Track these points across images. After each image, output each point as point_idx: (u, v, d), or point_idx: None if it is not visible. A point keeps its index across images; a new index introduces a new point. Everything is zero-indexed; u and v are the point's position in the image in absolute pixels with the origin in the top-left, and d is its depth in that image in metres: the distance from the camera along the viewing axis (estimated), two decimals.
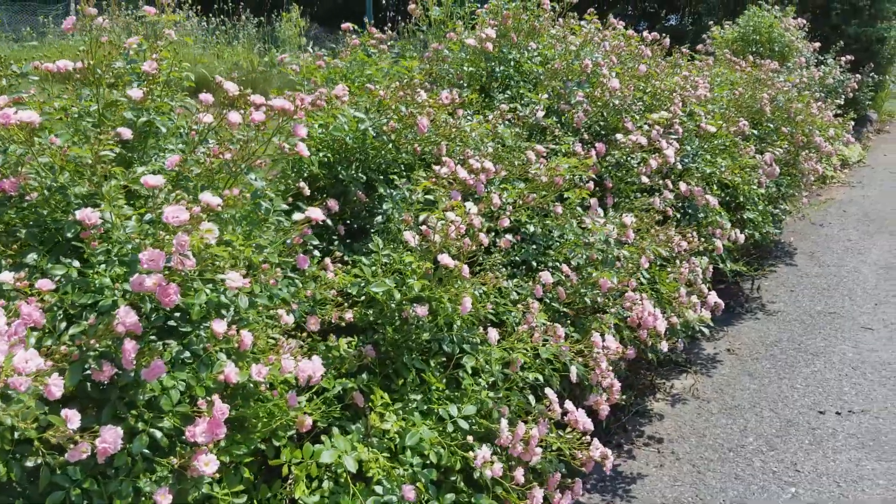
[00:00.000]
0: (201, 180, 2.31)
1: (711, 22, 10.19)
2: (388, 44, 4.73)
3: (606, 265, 3.01)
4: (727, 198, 4.45)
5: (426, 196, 2.96)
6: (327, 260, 2.68)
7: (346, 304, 2.54)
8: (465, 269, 2.40)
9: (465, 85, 4.26)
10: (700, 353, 4.83)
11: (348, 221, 3.17)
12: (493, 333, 2.46)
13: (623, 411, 4.02)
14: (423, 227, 2.61)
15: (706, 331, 3.52)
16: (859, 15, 11.57)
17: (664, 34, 5.87)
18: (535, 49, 4.32)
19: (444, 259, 2.36)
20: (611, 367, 2.90)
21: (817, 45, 9.54)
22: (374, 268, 2.60)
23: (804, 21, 9.77)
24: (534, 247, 3.13)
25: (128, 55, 2.78)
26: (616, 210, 3.58)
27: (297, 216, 2.31)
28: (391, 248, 2.69)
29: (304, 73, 4.36)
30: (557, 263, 3.05)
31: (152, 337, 2.03)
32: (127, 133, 2.32)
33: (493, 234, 3.00)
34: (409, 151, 3.26)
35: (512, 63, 4.11)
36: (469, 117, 3.77)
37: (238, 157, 2.36)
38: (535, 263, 3.05)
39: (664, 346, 3.29)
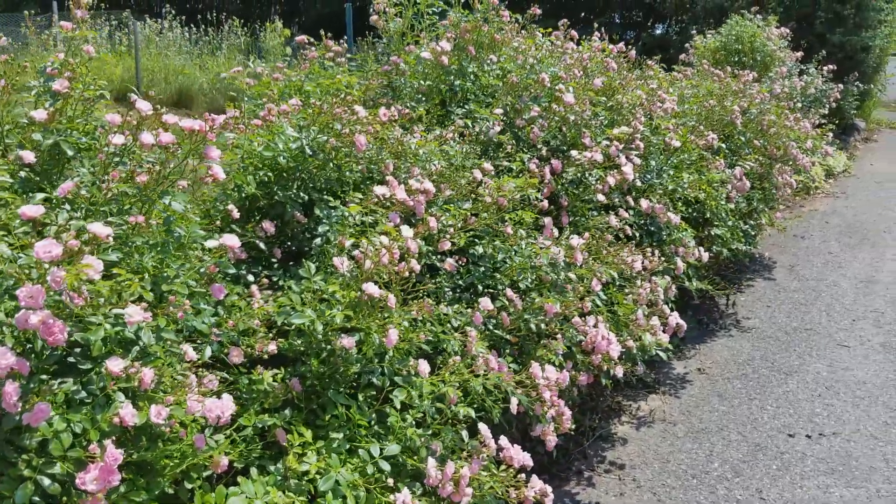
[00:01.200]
0: (108, 206, 2.18)
1: (694, 31, 10.09)
2: (346, 56, 4.62)
3: (556, 289, 2.88)
4: (694, 214, 4.33)
5: (367, 217, 2.83)
6: (254, 287, 2.55)
7: (271, 335, 2.41)
8: (392, 298, 2.27)
9: (425, 99, 4.15)
10: (670, 373, 4.70)
11: (288, 243, 3.05)
12: (424, 366, 2.33)
13: (585, 435, 3.89)
14: (357, 252, 2.49)
15: (663, 355, 3.39)
16: (844, 24, 11.49)
17: (644, 44, 5.78)
18: (495, 62, 4.20)
19: (370, 288, 2.23)
20: (560, 395, 2.77)
21: (800, 54, 9.45)
22: (303, 294, 2.47)
23: (787, 30, 9.68)
24: (482, 269, 3.00)
25: (44, 72, 2.65)
26: (573, 229, 3.45)
27: (210, 243, 2.18)
28: (324, 273, 2.56)
29: (258, 88, 4.25)
30: (505, 287, 2.93)
31: (45, 376, 1.90)
32: (29, 157, 2.19)
33: (437, 256, 2.88)
34: (354, 170, 3.14)
35: (471, 77, 3.99)
36: (425, 133, 3.65)
37: (150, 181, 2.23)
38: (481, 287, 2.92)
39: (619, 371, 3.16)
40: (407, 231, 2.54)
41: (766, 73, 9.16)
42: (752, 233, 5.26)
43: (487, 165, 3.08)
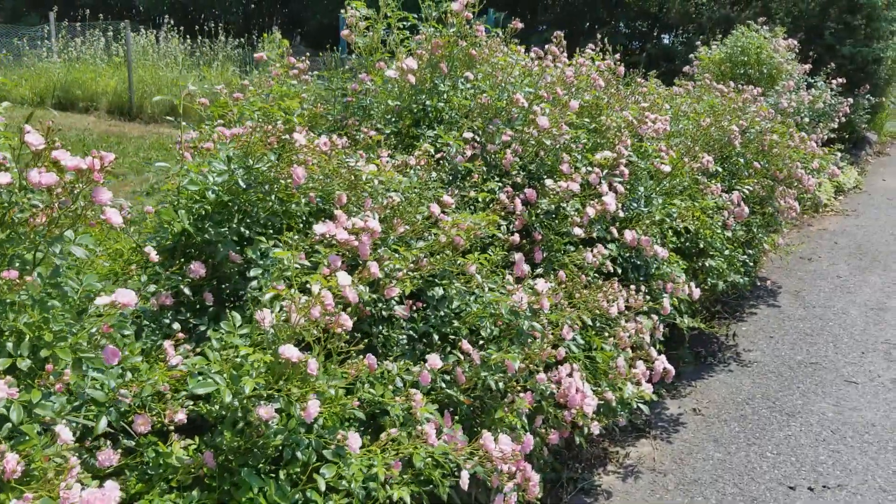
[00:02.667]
0: None
1: (699, 42, 9.77)
2: (314, 74, 4.33)
3: (521, 338, 2.56)
4: (686, 243, 4.00)
5: (309, 259, 2.53)
6: (167, 343, 2.24)
7: (180, 400, 2.10)
8: (313, 363, 1.96)
9: (397, 120, 3.84)
10: (662, 414, 4.35)
11: (225, 286, 2.74)
12: (354, 440, 2.02)
13: (565, 488, 3.55)
14: (286, 303, 2.17)
15: (645, 408, 3.05)
16: (854, 34, 11.12)
17: (649, 55, 5.46)
18: (471, 80, 3.89)
19: (287, 352, 1.92)
20: (527, 457, 2.46)
21: (808, 66, 9.10)
22: (224, 352, 2.16)
23: (795, 42, 9.35)
24: (441, 314, 2.68)
25: None
26: (547, 265, 3.13)
27: (101, 300, 1.87)
28: (251, 326, 2.25)
29: (214, 109, 3.97)
30: (463, 337, 2.61)
31: None
32: None
33: (385, 304, 2.56)
34: (302, 203, 2.83)
35: (443, 96, 3.68)
36: (393, 157, 3.35)
37: (35, 226, 1.93)
38: (437, 337, 2.60)
39: (595, 427, 2.83)
40: (344, 278, 2.23)
41: (772, 87, 8.83)
42: (752, 263, 4.91)
43: (447, 198, 2.76)
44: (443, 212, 2.80)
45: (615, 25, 15.73)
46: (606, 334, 3.19)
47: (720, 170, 4.39)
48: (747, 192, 4.56)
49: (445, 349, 2.57)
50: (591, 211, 3.20)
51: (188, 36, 14.91)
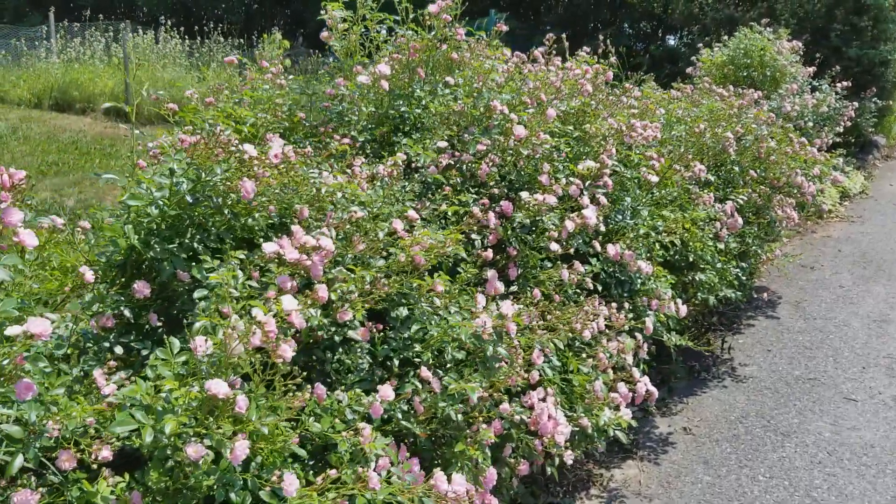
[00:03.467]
0: None
1: (701, 44, 9.57)
2: (290, 77, 4.17)
3: (486, 365, 2.40)
4: (675, 256, 3.82)
5: (265, 277, 2.37)
6: (98, 372, 2.09)
7: (106, 435, 1.95)
8: (241, 400, 1.80)
9: (373, 127, 3.69)
10: (651, 433, 4.18)
11: (175, 305, 2.58)
12: (291, 482, 1.85)
13: None
14: (229, 330, 2.02)
15: (622, 436, 2.88)
16: (861, 36, 10.89)
17: (653, 56, 5.28)
18: (452, 84, 3.73)
19: (214, 386, 1.76)
20: (494, 490, 2.30)
21: (812, 69, 8.89)
22: (158, 381, 2.00)
23: (800, 43, 9.14)
24: (405, 336, 2.52)
25: None
26: (522, 283, 2.97)
27: (11, 330, 1.72)
28: (191, 353, 2.09)
29: (184, 114, 3.82)
30: (428, 361, 2.44)
31: None
32: None
33: (338, 328, 2.40)
34: (259, 217, 2.67)
35: (420, 102, 3.52)
36: (367, 166, 3.19)
37: None
38: (397, 361, 2.44)
39: (568, 457, 2.66)
40: (289, 302, 2.07)
41: (776, 90, 8.63)
42: (748, 275, 4.71)
43: (412, 213, 2.60)
44: (409, 228, 2.64)
45: (619, 27, 15.53)
46: (585, 355, 3.02)
47: (712, 179, 4.21)
48: (741, 201, 4.38)
49: (407, 375, 2.41)
50: (570, 225, 3.03)
51: (189, 37, 14.81)
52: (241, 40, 14.32)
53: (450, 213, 2.84)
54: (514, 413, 2.57)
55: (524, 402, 2.70)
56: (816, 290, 6.52)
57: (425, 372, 2.28)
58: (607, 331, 3.14)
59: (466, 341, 2.32)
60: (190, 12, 19.72)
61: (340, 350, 2.40)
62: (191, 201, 2.38)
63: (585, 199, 3.16)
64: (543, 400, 2.73)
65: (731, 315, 5.83)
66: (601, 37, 12.52)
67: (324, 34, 4.20)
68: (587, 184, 3.36)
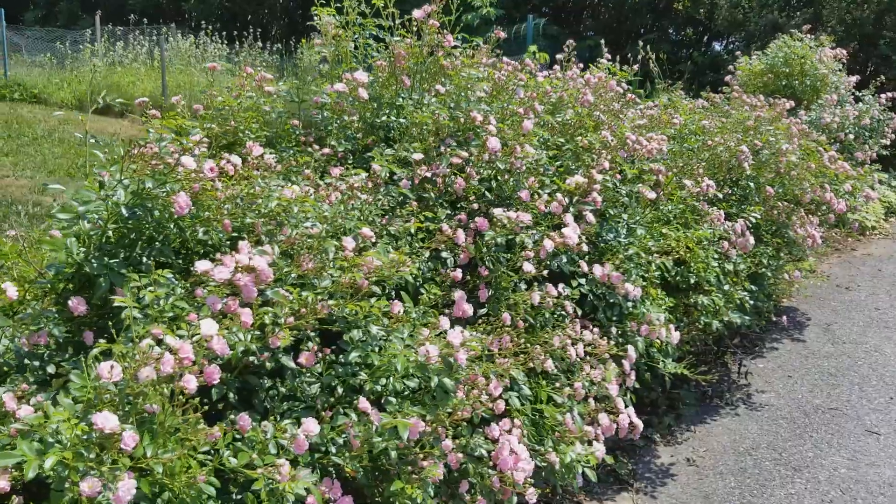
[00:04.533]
0: None
1: (739, 52, 9.23)
2: (281, 84, 4.06)
3: (434, 396, 2.23)
4: (677, 277, 3.59)
5: (186, 300, 2.25)
6: (7, 396, 1.97)
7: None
8: (129, 436, 1.66)
9: (359, 138, 3.55)
10: (652, 463, 3.94)
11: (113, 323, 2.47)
12: None
13: None
14: (140, 356, 1.89)
15: (591, 474, 2.67)
16: None
17: (696, 64, 5.04)
18: (443, 93, 3.57)
19: (100, 420, 1.63)
20: None
21: (856, 78, 8.49)
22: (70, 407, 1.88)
23: (843, 51, 8.74)
24: (356, 355, 2.36)
25: None
26: (494, 305, 2.78)
27: None
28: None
29: (166, 121, 3.74)
30: (377, 388, 2.29)
31: None
32: None
33: (268, 353, 2.26)
34: (212, 230, 2.55)
35: (402, 111, 3.37)
36: (345, 177, 3.05)
37: None
38: (341, 390, 2.28)
39: (531, 496, 2.47)
40: (208, 326, 1.94)
41: (816, 100, 8.27)
42: (763, 297, 4.43)
43: (366, 231, 2.45)
44: (364, 246, 2.49)
45: (664, 32, 15.16)
46: (560, 384, 2.82)
47: (720, 195, 3.95)
48: (753, 220, 4.12)
49: (351, 404, 2.26)
50: (549, 244, 2.84)
51: (231, 41, 14.94)
52: (280, 45, 14.37)
53: (413, 230, 2.68)
54: (496, 429, 2.41)
55: (488, 434, 2.52)
56: (849, 312, 6.17)
57: (363, 403, 2.12)
58: (588, 358, 2.94)
59: (402, 371, 2.15)
60: (235, 17, 19.93)
61: (288, 376, 2.26)
62: (126, 214, 2.26)
63: (568, 217, 2.96)
64: (509, 432, 2.55)
65: (755, 337, 5.54)
66: (640, 42, 12.24)
67: (317, 42, 4.09)
68: (574, 200, 3.16)
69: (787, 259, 4.63)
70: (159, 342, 1.94)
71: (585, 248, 2.93)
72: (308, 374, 2.35)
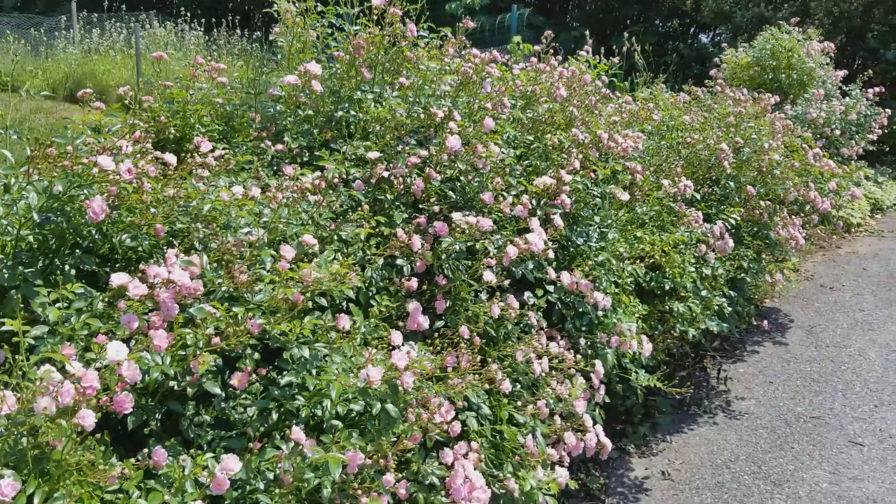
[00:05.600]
0: None
1: (725, 44, 9.05)
2: (236, 74, 3.84)
3: (380, 423, 2.03)
4: (651, 283, 3.40)
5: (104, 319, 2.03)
6: None
7: None
8: (9, 484, 1.45)
9: (317, 132, 3.33)
10: (625, 476, 3.76)
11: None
12: None
13: None
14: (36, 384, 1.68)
15: (551, 502, 2.48)
16: None
17: (682, 56, 4.84)
18: (407, 87, 3.36)
19: None
20: None
21: (843, 73, 8.32)
22: None
23: (831, 45, 8.57)
24: (289, 379, 2.15)
25: None
26: (451, 316, 2.58)
27: None
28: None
29: (85, 116, 3.52)
30: (319, 413, 2.08)
31: None
32: None
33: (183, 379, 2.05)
34: (141, 236, 2.34)
35: (360, 106, 3.15)
36: (300, 175, 2.84)
37: None
38: (276, 416, 2.08)
39: None
40: (116, 351, 1.73)
41: (803, 94, 8.10)
42: (739, 304, 4.24)
43: (308, 238, 2.24)
44: (306, 255, 2.28)
45: (649, 23, 14.94)
46: (522, 402, 2.63)
47: (698, 196, 3.76)
48: (734, 221, 3.93)
49: (284, 433, 2.05)
50: (512, 251, 2.64)
51: (214, 29, 14.65)
52: (260, 33, 14.06)
53: (362, 236, 2.47)
54: (421, 474, 2.21)
55: (442, 459, 2.33)
56: (833, 313, 6.01)
57: (296, 432, 1.92)
58: (555, 372, 2.75)
59: (336, 399, 1.95)
60: (216, 4, 19.58)
61: (216, 401, 2.05)
62: (38, 220, 2.04)
63: (534, 221, 2.76)
64: (465, 456, 2.36)
65: (735, 340, 5.36)
66: (626, 34, 12.04)
67: (275, 30, 3.86)
68: (542, 202, 2.96)
69: (770, 260, 4.45)
70: (62, 369, 1.73)
71: (552, 254, 2.73)
72: (245, 396, 2.14)
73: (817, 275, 6.97)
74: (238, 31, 13.86)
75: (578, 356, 2.82)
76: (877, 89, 7.85)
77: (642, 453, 3.97)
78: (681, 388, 4.52)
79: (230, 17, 14.40)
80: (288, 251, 2.18)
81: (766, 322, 5.28)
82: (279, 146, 3.16)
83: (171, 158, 2.49)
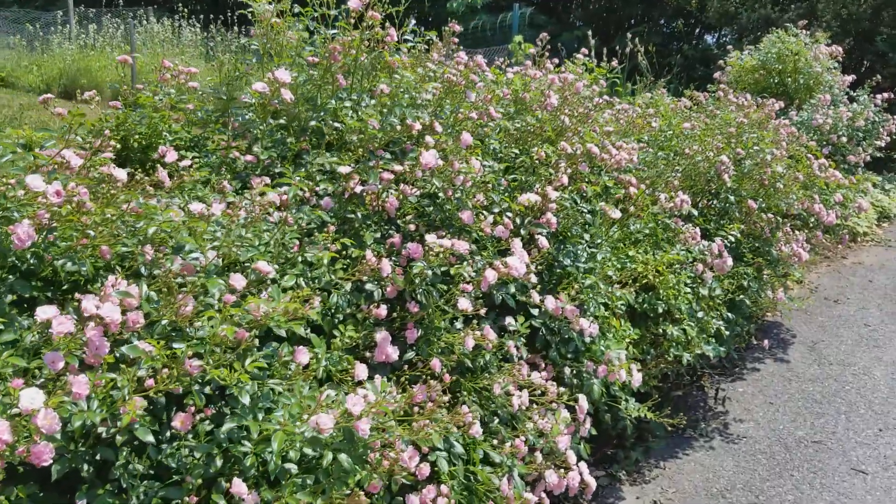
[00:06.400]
0: None
1: (730, 46, 8.83)
2: (209, 78, 3.65)
3: (331, 475, 1.84)
4: (644, 305, 3.20)
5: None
6: None
7: None
8: None
9: (290, 142, 3.14)
10: None
11: None
12: None
13: None
14: None
15: None
16: None
17: (686, 57, 4.64)
18: (388, 94, 3.17)
19: None
20: None
21: (851, 77, 8.10)
22: None
23: (839, 49, 8.34)
24: (229, 426, 1.96)
25: None
26: (423, 347, 2.39)
27: None
28: None
29: (66, 120, 3.35)
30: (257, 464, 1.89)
31: None
32: None
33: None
34: (80, 259, 2.15)
35: (338, 115, 2.96)
36: (269, 189, 2.65)
37: None
38: (220, 461, 1.89)
39: None
40: (30, 399, 1.54)
41: (809, 99, 7.89)
42: (738, 325, 4.04)
43: (264, 265, 2.05)
44: (255, 284, 2.09)
45: (653, 23, 14.70)
46: (500, 438, 2.44)
47: (695, 212, 3.55)
48: (733, 238, 3.73)
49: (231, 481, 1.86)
50: (491, 275, 2.44)
51: (213, 26, 14.47)
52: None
53: (325, 260, 2.28)
54: (423, 495, 2.03)
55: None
56: (838, 328, 5.80)
57: (238, 486, 1.73)
58: (534, 406, 2.55)
59: (277, 453, 1.76)
60: (217, 1, 19.41)
61: (150, 449, 1.86)
62: None
63: (516, 243, 2.56)
64: (434, 501, 2.17)
65: (735, 356, 5.16)
66: (629, 34, 11.82)
67: (253, 31, 3.67)
68: (526, 221, 2.77)
69: (772, 275, 4.24)
70: None
71: (534, 278, 2.54)
72: (192, 437, 1.96)
73: (822, 287, 6.76)
74: (236, 27, 13.67)
75: (563, 388, 2.63)
76: (885, 95, 7.63)
77: (634, 480, 3.77)
78: (676, 410, 4.34)
79: (229, 14, 14.20)
80: (238, 280, 1.99)
81: (766, 341, 5.07)
82: (249, 157, 2.98)
83: (119, 173, 2.30)
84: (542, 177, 2.97)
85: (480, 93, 3.28)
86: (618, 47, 12.22)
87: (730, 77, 8.71)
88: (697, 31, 14.54)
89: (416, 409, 2.03)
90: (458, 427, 2.07)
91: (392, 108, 2.79)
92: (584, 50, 5.35)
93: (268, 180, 2.75)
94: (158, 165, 2.96)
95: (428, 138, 2.56)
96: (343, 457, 1.80)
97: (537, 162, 2.98)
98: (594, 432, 2.86)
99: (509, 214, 2.74)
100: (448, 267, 2.43)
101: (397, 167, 2.59)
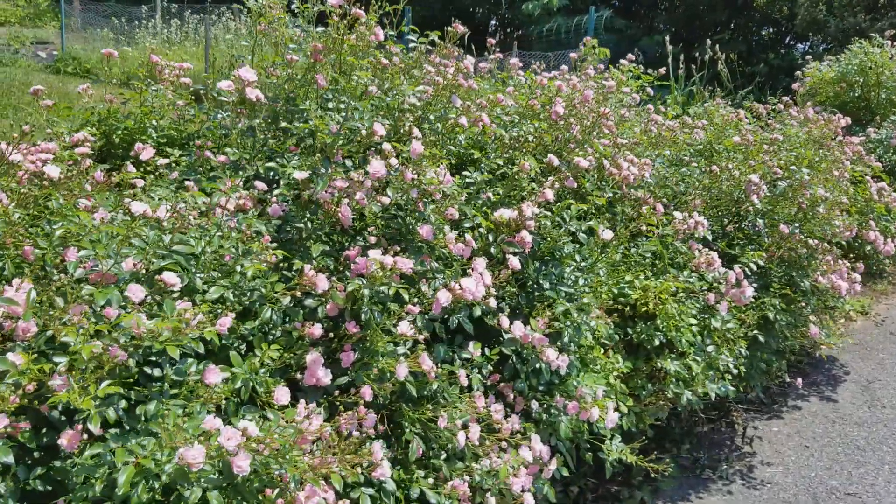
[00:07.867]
0: None
1: (809, 56, 8.29)
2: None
3: None
4: (642, 335, 2.91)
5: None
6: None
7: None
8: None
9: (270, 143, 3.01)
10: None
11: None
12: None
13: None
14: None
15: None
16: None
17: (771, 67, 4.32)
18: (378, 96, 2.99)
19: None
20: None
21: None
22: None
23: None
24: (89, 453, 1.80)
25: None
26: (359, 372, 2.19)
27: None
28: None
29: (52, 114, 3.33)
30: None
31: None
32: None
33: None
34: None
35: (308, 117, 2.79)
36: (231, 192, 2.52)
37: None
38: (99, 487, 1.74)
39: None
40: None
41: (891, 115, 7.32)
42: (756, 363, 3.66)
43: (169, 276, 1.89)
44: (168, 296, 1.94)
45: (739, 31, 14.02)
46: (444, 472, 2.22)
47: (709, 235, 3.20)
48: (755, 266, 3.37)
49: None
50: (444, 297, 2.23)
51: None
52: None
53: (249, 273, 2.11)
54: None
55: None
56: None
57: None
58: (488, 443, 2.32)
59: (123, 491, 1.59)
60: None
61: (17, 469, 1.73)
62: None
63: (478, 262, 2.34)
64: None
65: (776, 391, 4.75)
66: (709, 42, 11.29)
67: (259, 27, 3.55)
68: (498, 238, 2.54)
69: (805, 308, 3.83)
70: None
71: (493, 303, 2.31)
72: (79, 455, 1.82)
73: (889, 319, 6.22)
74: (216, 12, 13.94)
75: (530, 423, 2.39)
76: None
77: None
78: (698, 448, 4.00)
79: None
80: (137, 292, 1.85)
81: (799, 380, 4.64)
82: (222, 157, 2.85)
83: (52, 172, 2.20)
84: (525, 191, 2.73)
85: (469, 97, 3.06)
86: (697, 55, 11.69)
87: (808, 89, 8.19)
88: (787, 40, 13.79)
89: (318, 443, 1.84)
90: (362, 468, 1.87)
91: (350, 112, 2.60)
92: (630, 56, 5.05)
93: (232, 183, 2.61)
94: (129, 163, 2.88)
95: (385, 145, 2.36)
96: (214, 494, 1.62)
97: (522, 175, 2.74)
98: (566, 472, 2.60)
99: (481, 230, 2.52)
100: (387, 286, 2.22)
101: (355, 174, 2.41)
